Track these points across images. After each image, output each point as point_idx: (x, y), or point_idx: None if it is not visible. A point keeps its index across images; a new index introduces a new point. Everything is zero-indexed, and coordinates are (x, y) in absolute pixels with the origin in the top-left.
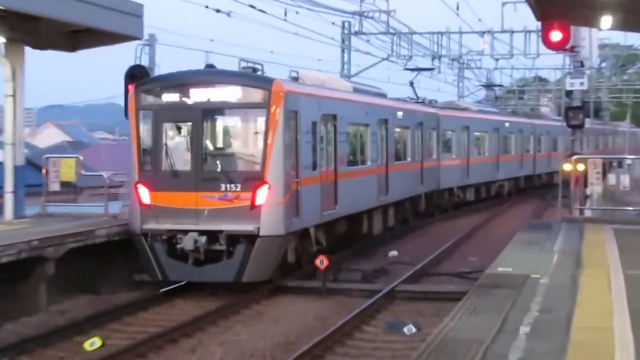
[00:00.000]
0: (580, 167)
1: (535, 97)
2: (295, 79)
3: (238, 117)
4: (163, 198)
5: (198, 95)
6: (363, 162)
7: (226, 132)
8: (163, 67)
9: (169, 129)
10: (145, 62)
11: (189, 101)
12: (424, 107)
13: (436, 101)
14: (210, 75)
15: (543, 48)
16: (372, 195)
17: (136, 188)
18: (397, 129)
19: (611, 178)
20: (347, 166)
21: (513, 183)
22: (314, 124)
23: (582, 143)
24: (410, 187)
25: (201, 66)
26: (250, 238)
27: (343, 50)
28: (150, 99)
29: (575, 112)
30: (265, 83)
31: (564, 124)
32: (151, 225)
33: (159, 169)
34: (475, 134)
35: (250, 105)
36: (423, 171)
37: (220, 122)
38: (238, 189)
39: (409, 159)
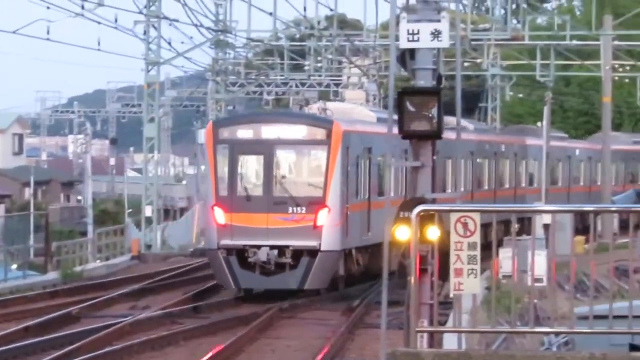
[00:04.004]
0: (433, 233)
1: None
2: (324, 110)
3: (303, 151)
4: (238, 218)
5: (269, 132)
6: (384, 194)
7: (293, 163)
8: None
9: (243, 160)
10: None
11: (262, 137)
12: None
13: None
14: (280, 116)
15: None
16: None
17: (213, 210)
18: None
19: (504, 259)
20: (377, 196)
21: None
22: (357, 157)
23: (436, 174)
24: None
25: None
26: (313, 252)
27: None
28: (226, 134)
29: (422, 102)
30: (327, 123)
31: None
32: (227, 241)
33: (234, 194)
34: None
35: (314, 142)
36: None
37: (288, 155)
38: (303, 211)
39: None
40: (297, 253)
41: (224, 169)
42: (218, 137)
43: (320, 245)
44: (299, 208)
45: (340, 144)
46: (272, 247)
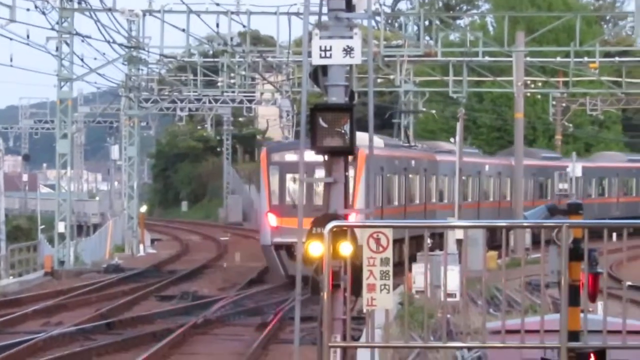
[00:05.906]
0: (345, 248)
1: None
2: None
3: None
4: (286, 222)
5: (310, 156)
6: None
7: None
8: None
9: (290, 178)
10: None
11: (304, 160)
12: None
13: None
14: None
15: None
16: None
17: (267, 216)
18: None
19: (417, 274)
20: (388, 204)
21: None
22: (375, 174)
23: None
24: None
25: None
26: None
27: None
28: (277, 158)
29: (334, 118)
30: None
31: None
32: (278, 239)
33: (283, 203)
34: None
35: None
36: None
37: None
38: None
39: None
40: None
41: (275, 185)
42: (271, 160)
43: None
44: None
45: (364, 164)
46: None
